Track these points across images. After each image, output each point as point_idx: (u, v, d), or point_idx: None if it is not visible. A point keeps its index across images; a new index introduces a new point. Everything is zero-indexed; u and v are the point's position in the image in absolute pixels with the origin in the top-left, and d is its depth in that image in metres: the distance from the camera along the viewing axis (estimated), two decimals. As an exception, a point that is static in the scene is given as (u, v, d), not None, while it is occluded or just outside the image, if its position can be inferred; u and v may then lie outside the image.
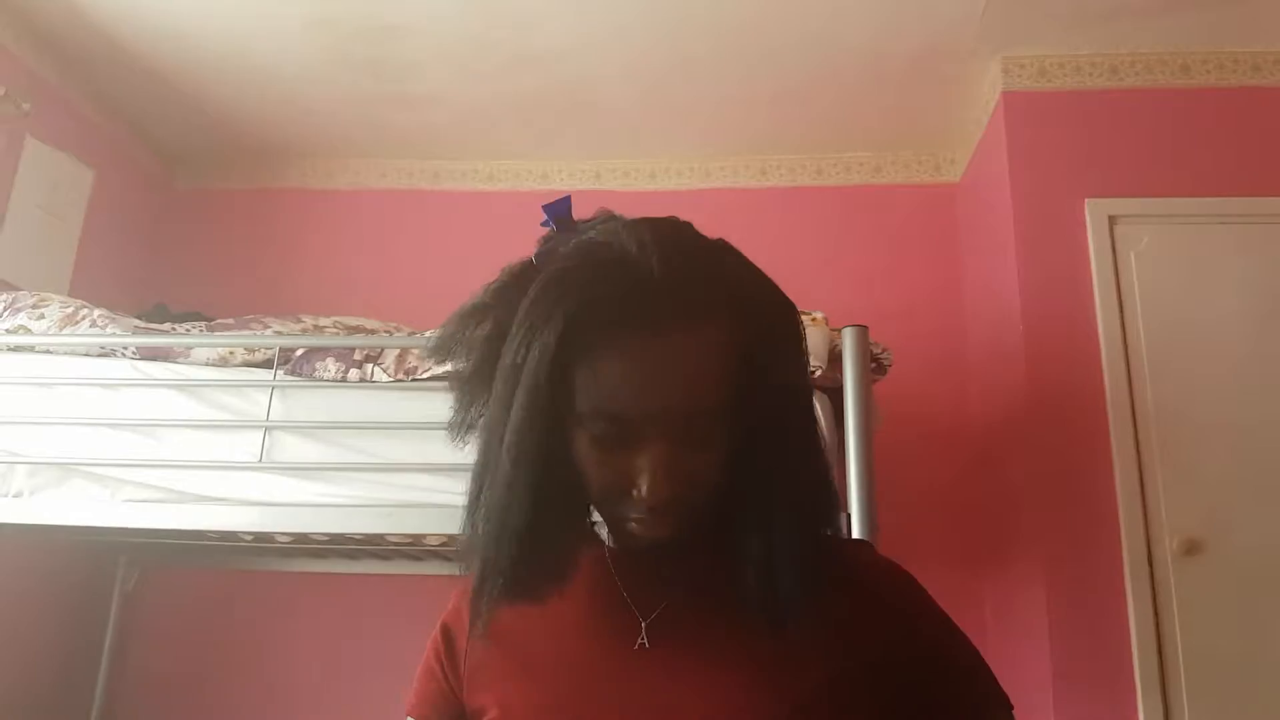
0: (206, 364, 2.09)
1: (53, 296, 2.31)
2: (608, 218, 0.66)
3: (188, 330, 2.18)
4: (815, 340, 1.85)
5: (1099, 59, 2.81)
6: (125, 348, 2.10)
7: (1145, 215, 2.65)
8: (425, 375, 1.95)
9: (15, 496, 1.97)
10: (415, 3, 2.67)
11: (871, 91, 3.05)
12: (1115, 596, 2.36)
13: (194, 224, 3.61)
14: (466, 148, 3.51)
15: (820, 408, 1.81)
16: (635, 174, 3.53)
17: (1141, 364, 2.52)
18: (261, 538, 2.30)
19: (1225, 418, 2.46)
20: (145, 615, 3.12)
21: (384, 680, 2.96)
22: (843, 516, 1.68)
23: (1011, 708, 0.68)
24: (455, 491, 1.74)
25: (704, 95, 3.12)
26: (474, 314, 0.68)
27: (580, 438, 0.62)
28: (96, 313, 2.22)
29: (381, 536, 2.16)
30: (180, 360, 2.09)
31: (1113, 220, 2.65)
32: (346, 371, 1.99)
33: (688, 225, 0.67)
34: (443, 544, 2.21)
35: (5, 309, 2.24)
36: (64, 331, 2.16)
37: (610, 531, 0.71)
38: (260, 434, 1.95)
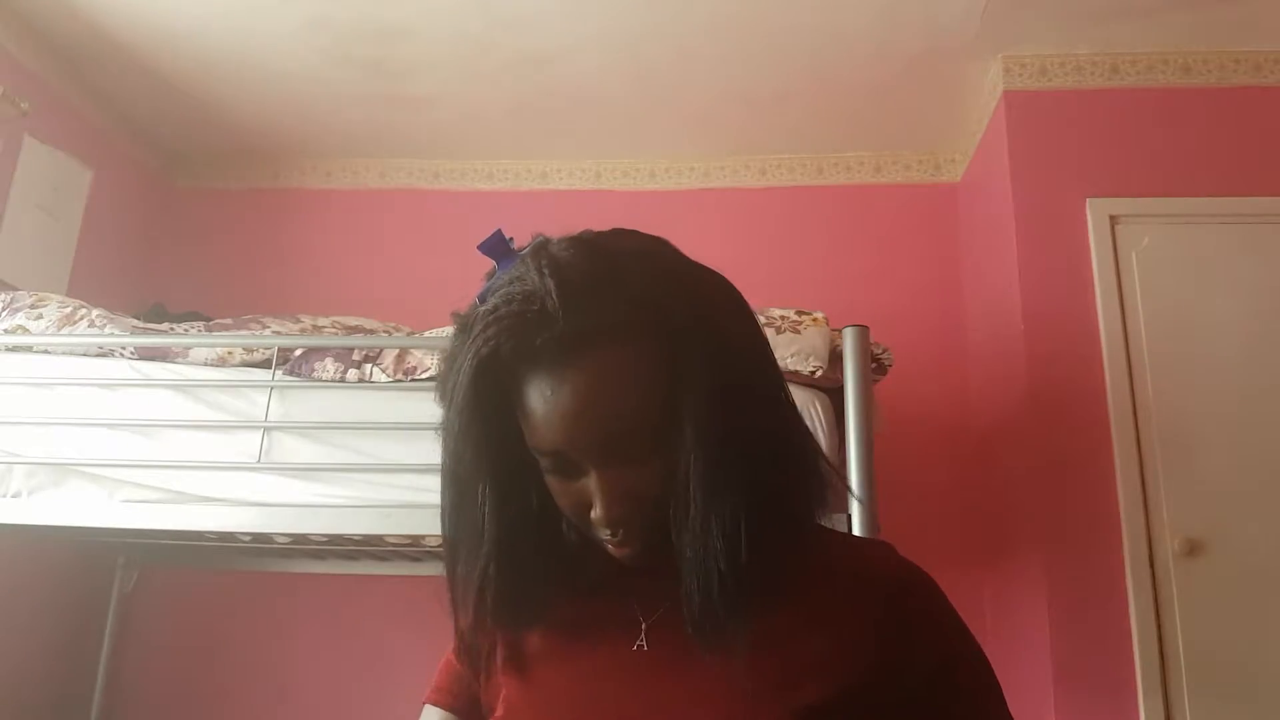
0: (205, 364, 2.08)
1: (51, 296, 2.31)
2: (533, 245, 0.64)
3: (186, 330, 2.17)
4: (815, 340, 1.85)
5: (1099, 59, 2.81)
6: (123, 348, 2.10)
7: (1146, 215, 2.65)
8: (424, 375, 1.95)
9: (13, 497, 1.97)
10: (415, 3, 2.66)
11: (871, 91, 3.05)
12: (1116, 596, 2.36)
13: (193, 224, 3.60)
14: (466, 148, 3.50)
15: (821, 408, 1.81)
16: (635, 174, 3.52)
17: (1143, 364, 2.52)
18: (260, 538, 2.29)
19: (1227, 418, 2.45)
20: (143, 616, 3.12)
21: (382, 680, 2.96)
22: (841, 518, 1.67)
23: None
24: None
25: (704, 95, 3.11)
26: (446, 361, 0.69)
27: (543, 469, 0.64)
28: (95, 313, 2.21)
29: (380, 537, 2.16)
30: (179, 360, 2.09)
31: (1114, 220, 2.65)
32: (345, 372, 1.98)
33: (606, 238, 0.64)
34: (441, 545, 2.20)
35: (3, 309, 2.23)
36: (62, 331, 2.15)
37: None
38: (259, 434, 1.94)
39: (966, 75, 2.95)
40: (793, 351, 1.82)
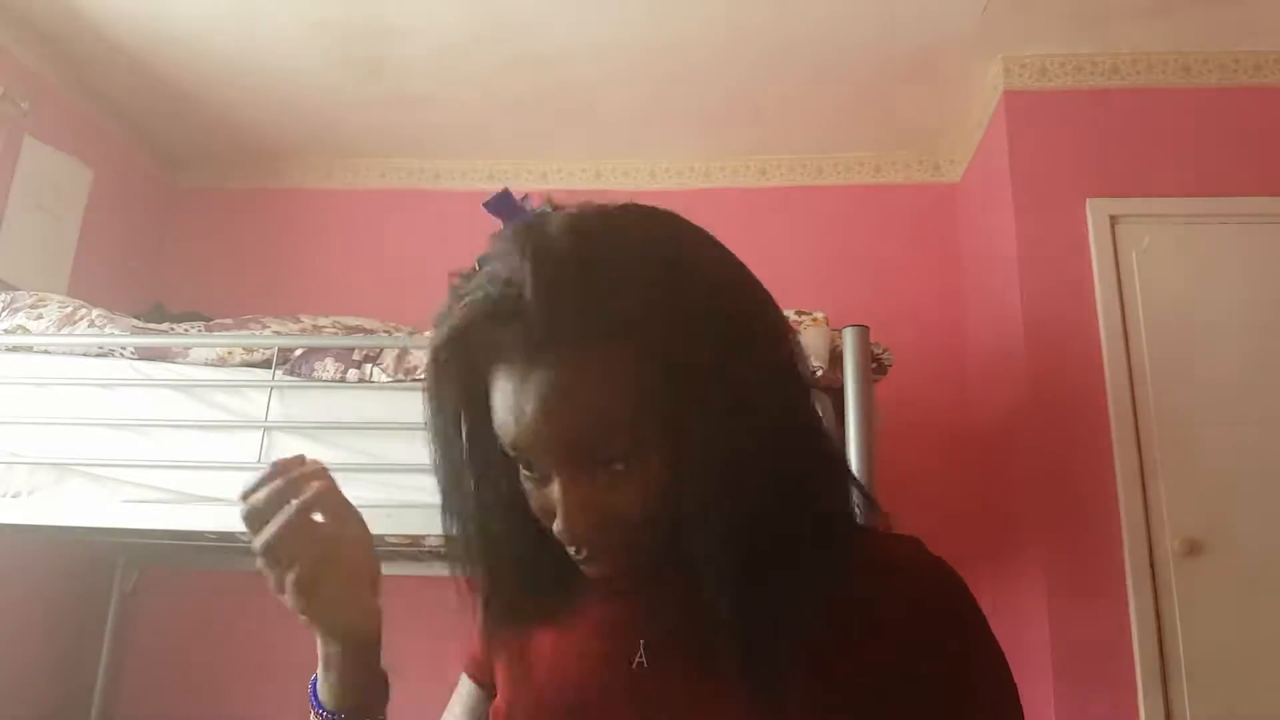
0: (205, 364, 2.09)
1: (51, 296, 2.31)
2: (534, 217, 0.59)
3: (186, 330, 2.17)
4: (816, 340, 1.85)
5: (1099, 59, 2.81)
6: (124, 348, 2.10)
7: (1147, 215, 2.65)
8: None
9: (14, 497, 1.97)
10: (415, 4, 2.66)
11: (871, 91, 3.05)
12: (1116, 597, 2.36)
13: (193, 224, 3.60)
14: (466, 148, 3.50)
15: (821, 408, 1.81)
16: (635, 174, 3.52)
17: (1143, 363, 2.52)
18: (260, 538, 2.29)
19: (1227, 418, 2.45)
20: (144, 615, 3.12)
21: (383, 681, 2.95)
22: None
23: None
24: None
25: (704, 95, 3.11)
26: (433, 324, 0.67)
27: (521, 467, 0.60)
28: (95, 313, 2.21)
29: (381, 537, 2.15)
30: (179, 360, 2.09)
31: (1114, 220, 2.65)
32: (345, 372, 1.98)
33: (612, 220, 0.58)
34: (442, 545, 2.20)
35: (4, 309, 2.23)
36: (62, 331, 2.15)
37: None
38: (259, 434, 1.95)
39: (966, 75, 2.95)
40: (793, 351, 1.82)
